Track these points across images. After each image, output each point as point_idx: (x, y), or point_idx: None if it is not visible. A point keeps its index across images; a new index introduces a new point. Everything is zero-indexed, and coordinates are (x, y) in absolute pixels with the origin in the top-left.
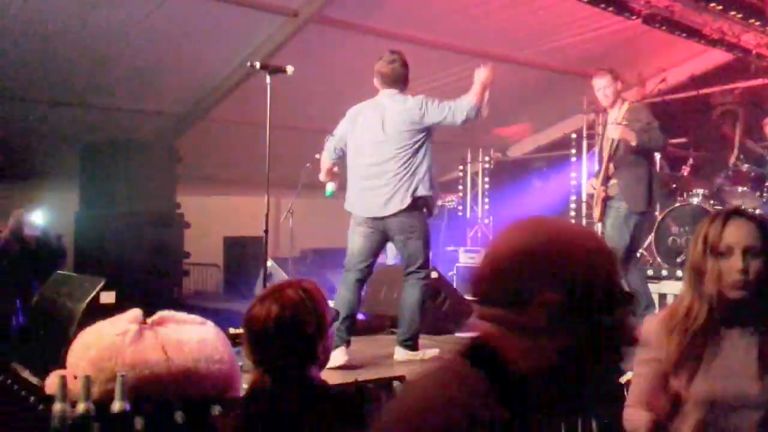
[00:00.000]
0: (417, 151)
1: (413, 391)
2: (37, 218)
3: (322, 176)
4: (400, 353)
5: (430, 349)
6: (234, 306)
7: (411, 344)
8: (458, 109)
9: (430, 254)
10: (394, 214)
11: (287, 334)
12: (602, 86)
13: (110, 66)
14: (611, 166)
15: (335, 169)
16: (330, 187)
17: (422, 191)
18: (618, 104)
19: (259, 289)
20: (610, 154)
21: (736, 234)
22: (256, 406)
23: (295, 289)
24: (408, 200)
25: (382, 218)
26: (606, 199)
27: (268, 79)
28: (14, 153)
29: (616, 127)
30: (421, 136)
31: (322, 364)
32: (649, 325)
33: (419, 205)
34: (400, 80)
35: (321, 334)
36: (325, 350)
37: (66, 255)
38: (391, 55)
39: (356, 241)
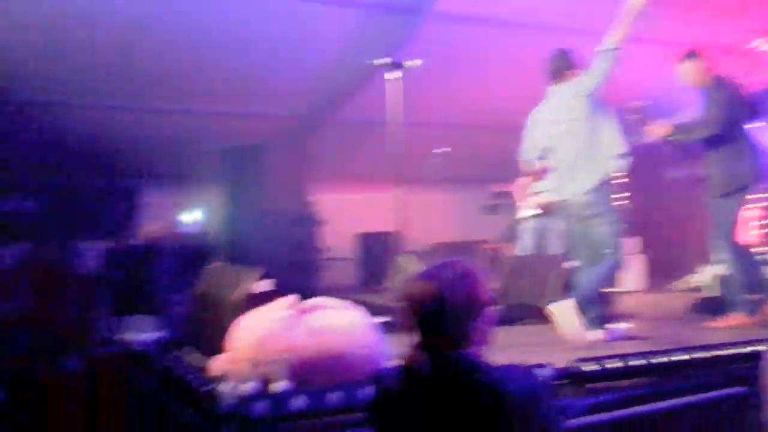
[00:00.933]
0: (595, 129)
1: None
2: (189, 218)
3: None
4: (595, 333)
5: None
6: (368, 299)
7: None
8: (606, 55)
9: (620, 240)
10: (582, 195)
11: (439, 313)
12: (684, 72)
13: (241, 74)
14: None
15: (539, 168)
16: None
17: (610, 169)
18: (708, 82)
19: (393, 283)
20: None
21: None
22: (408, 381)
23: (451, 270)
24: (594, 180)
25: (572, 201)
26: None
27: (391, 75)
28: (167, 159)
29: (650, 130)
30: (593, 112)
31: (479, 345)
32: None
33: (608, 187)
34: (560, 72)
35: (474, 315)
36: (480, 332)
37: (215, 251)
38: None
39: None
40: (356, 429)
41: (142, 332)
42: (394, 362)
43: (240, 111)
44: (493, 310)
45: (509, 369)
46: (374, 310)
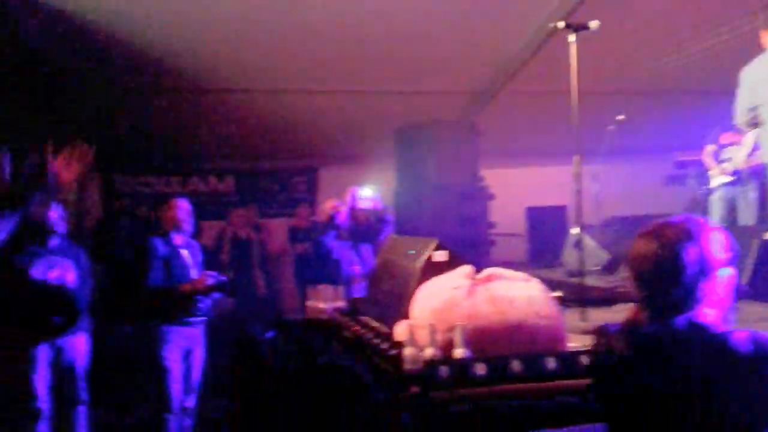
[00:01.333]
0: None
1: None
2: (368, 194)
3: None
4: None
5: None
6: (541, 274)
7: None
8: None
9: None
10: None
11: (664, 273)
12: None
13: (410, 53)
14: None
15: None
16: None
17: None
18: None
19: (568, 257)
20: None
21: None
22: (631, 342)
23: (678, 228)
24: None
25: None
26: None
27: (570, 38)
28: (345, 140)
29: None
30: None
31: (708, 308)
32: None
33: None
34: None
35: (702, 277)
36: (709, 294)
37: (391, 225)
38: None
39: None
40: (536, 399)
41: (326, 301)
42: (617, 324)
43: (417, 89)
44: (726, 273)
45: (738, 332)
46: (547, 285)
